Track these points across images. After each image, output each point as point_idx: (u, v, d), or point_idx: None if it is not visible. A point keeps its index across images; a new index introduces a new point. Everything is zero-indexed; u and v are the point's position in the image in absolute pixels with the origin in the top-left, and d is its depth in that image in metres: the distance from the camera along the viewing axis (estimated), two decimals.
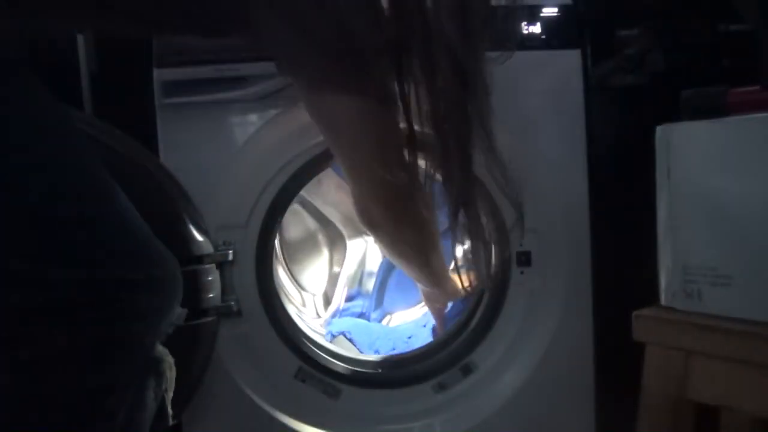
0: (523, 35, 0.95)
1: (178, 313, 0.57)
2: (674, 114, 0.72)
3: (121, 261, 0.50)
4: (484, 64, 0.62)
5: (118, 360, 0.49)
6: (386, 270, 1.26)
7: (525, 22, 0.95)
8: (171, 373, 0.56)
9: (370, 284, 1.29)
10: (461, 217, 0.66)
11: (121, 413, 0.49)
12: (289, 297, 1.08)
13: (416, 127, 0.65)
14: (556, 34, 0.95)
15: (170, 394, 0.57)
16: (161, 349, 0.55)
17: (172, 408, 0.58)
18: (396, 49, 0.59)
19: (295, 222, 1.25)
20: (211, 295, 0.89)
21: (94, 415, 0.48)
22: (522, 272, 0.97)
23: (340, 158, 0.69)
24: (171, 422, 0.58)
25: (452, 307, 1.10)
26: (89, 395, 0.48)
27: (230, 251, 0.91)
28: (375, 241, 1.01)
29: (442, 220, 0.72)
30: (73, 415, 0.47)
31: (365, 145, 0.65)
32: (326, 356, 0.99)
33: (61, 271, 0.46)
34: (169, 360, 0.56)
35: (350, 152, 0.68)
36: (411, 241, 0.81)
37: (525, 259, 0.97)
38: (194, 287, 0.86)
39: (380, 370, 1.01)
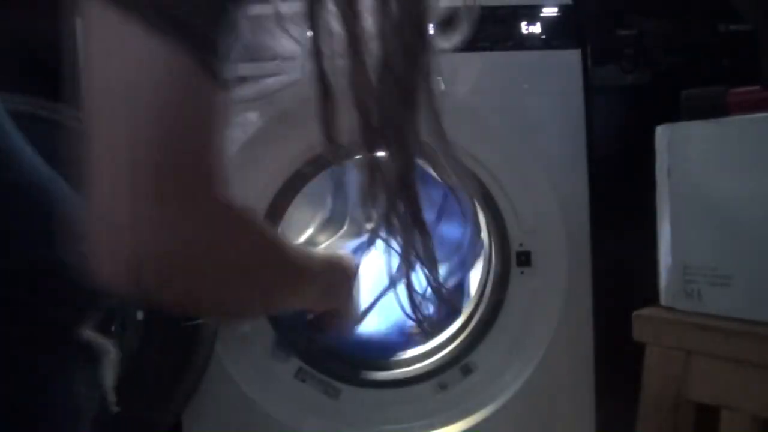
0: (522, 35, 0.95)
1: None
2: (674, 114, 0.72)
3: (33, 241, 0.44)
4: (428, 17, 0.47)
5: (45, 348, 0.46)
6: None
7: (525, 22, 0.95)
8: (109, 359, 0.51)
9: None
10: (401, 207, 0.51)
11: (52, 404, 0.46)
12: None
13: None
14: (556, 34, 0.96)
15: (110, 381, 0.52)
16: (93, 335, 0.50)
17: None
18: None
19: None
20: None
21: (23, 407, 0.45)
22: (522, 272, 0.97)
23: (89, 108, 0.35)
24: (115, 411, 0.54)
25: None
26: (17, 387, 0.45)
27: None
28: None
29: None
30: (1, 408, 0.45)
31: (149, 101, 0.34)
32: (326, 356, 0.99)
33: None
34: (105, 345, 0.51)
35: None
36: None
37: (525, 259, 0.97)
38: None
39: (380, 370, 1.01)
